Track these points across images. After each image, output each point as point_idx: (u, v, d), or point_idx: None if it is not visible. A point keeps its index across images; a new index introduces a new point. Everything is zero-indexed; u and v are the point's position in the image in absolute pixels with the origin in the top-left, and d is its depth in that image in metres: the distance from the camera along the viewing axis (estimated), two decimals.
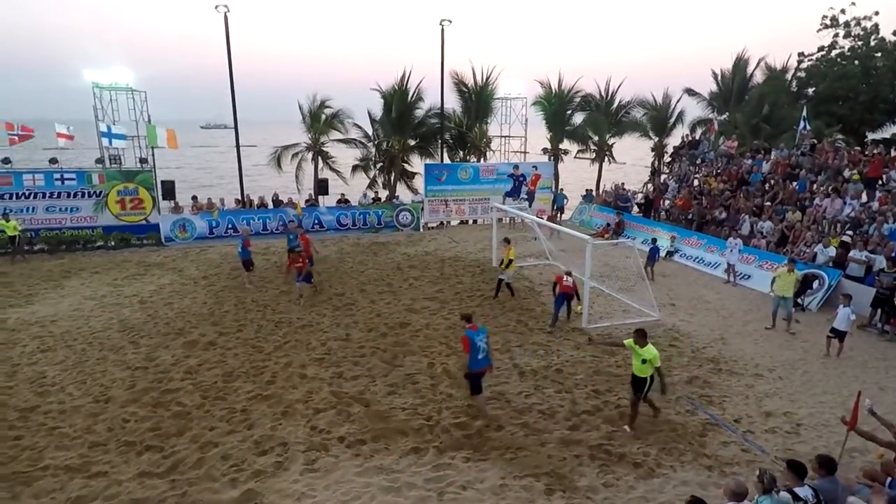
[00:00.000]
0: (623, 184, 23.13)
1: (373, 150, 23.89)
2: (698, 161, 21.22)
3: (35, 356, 9.45)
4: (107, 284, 13.71)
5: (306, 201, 21.04)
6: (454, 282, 14.10)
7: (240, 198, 20.73)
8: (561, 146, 25.83)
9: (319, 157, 22.86)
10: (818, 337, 10.41)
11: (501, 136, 25.12)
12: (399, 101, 22.43)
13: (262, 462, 6.47)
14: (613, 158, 26.33)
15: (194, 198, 20.15)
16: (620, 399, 8.01)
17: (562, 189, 24.12)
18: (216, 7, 19.33)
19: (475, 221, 22.83)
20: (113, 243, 17.64)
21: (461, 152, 25.27)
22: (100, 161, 18.43)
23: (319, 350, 9.69)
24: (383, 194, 23.00)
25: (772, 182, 17.19)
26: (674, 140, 25.71)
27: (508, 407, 7.77)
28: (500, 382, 8.52)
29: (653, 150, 25.97)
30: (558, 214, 22.00)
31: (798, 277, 11.01)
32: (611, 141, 25.99)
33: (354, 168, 23.89)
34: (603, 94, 25.92)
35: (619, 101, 26.06)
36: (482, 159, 24.97)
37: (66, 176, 17.35)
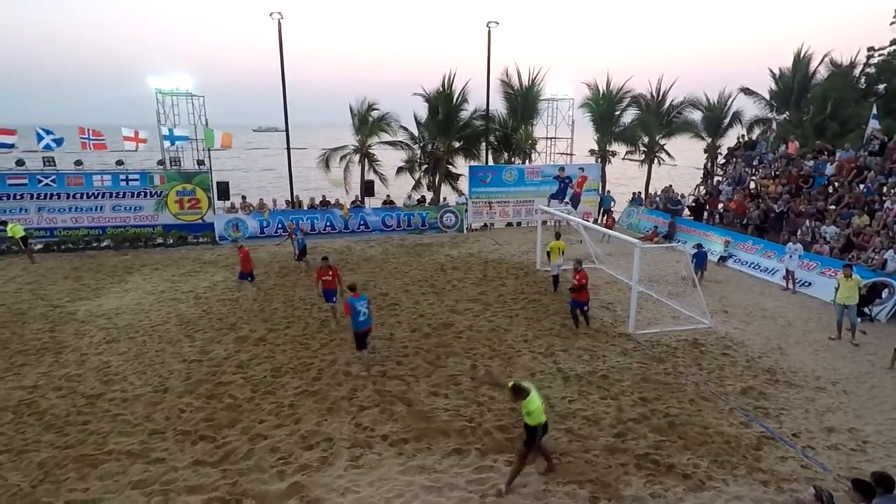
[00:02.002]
0: (670, 186, 22.37)
1: (418, 151, 24.12)
2: (755, 162, 20.24)
3: (101, 346, 10.08)
4: (165, 280, 14.46)
5: (353, 202, 21.48)
6: (497, 284, 14.03)
7: (290, 198, 21.41)
8: (609, 148, 25.26)
9: (366, 159, 23.27)
10: (886, 349, 9.70)
11: (547, 138, 24.81)
12: (444, 104, 22.56)
13: (309, 456, 6.64)
14: (663, 160, 25.52)
15: (243, 198, 20.96)
16: (669, 408, 7.75)
17: (609, 191, 23.57)
18: (270, 14, 20.09)
19: (519, 224, 22.65)
20: (171, 241, 18.61)
21: (506, 154, 25.15)
22: (161, 163, 19.48)
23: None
24: (428, 196, 23.17)
25: (836, 185, 16.18)
26: (728, 141, 24.64)
27: (552, 412, 7.64)
28: (543, 386, 8.40)
29: (706, 151, 24.98)
30: (605, 217, 21.48)
31: (860, 283, 10.27)
32: (661, 142, 25.20)
33: (399, 170, 24.20)
34: (654, 93, 25.17)
35: (671, 101, 25.24)
36: (527, 161, 24.76)
37: (130, 177, 18.44)
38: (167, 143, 19.29)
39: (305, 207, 20.71)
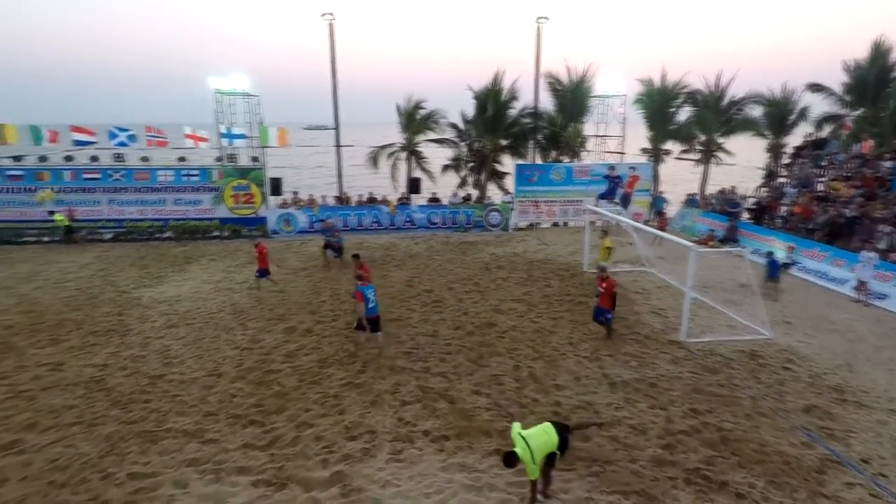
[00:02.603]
0: (734, 187, 21.32)
1: (464, 149, 24.10)
2: (824, 163, 18.99)
3: (162, 331, 10.66)
4: (221, 271, 15.12)
5: (399, 199, 21.73)
6: (542, 284, 13.83)
7: (338, 195, 21.90)
8: (662, 146, 24.37)
9: (413, 157, 23.48)
10: None
11: (597, 136, 24.23)
12: (492, 101, 22.42)
13: (351, 447, 6.77)
14: (721, 159, 24.36)
15: (295, 193, 21.61)
16: (723, 422, 7.39)
17: (662, 192, 22.76)
18: (322, 15, 20.58)
19: (566, 224, 22.24)
20: (227, 234, 19.43)
21: (554, 152, 24.74)
22: (219, 159, 20.37)
23: (408, 344, 9.96)
24: (473, 194, 23.14)
25: None
26: (794, 139, 23.25)
27: (596, 418, 7.46)
28: (588, 392, 8.22)
29: (768, 150, 23.67)
30: (657, 219, 20.75)
31: None
32: (719, 140, 24.06)
33: (445, 167, 24.27)
34: (712, 89, 24.04)
35: (731, 97, 24.03)
36: (576, 160, 24.26)
37: (191, 172, 19.39)
38: (225, 141, 20.15)
39: (353, 204, 21.12)
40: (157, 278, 14.40)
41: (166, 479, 6.15)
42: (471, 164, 24.12)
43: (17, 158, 19.07)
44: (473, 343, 10.06)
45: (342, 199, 21.72)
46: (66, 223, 18.16)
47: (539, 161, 23.58)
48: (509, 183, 22.99)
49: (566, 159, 24.27)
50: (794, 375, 8.96)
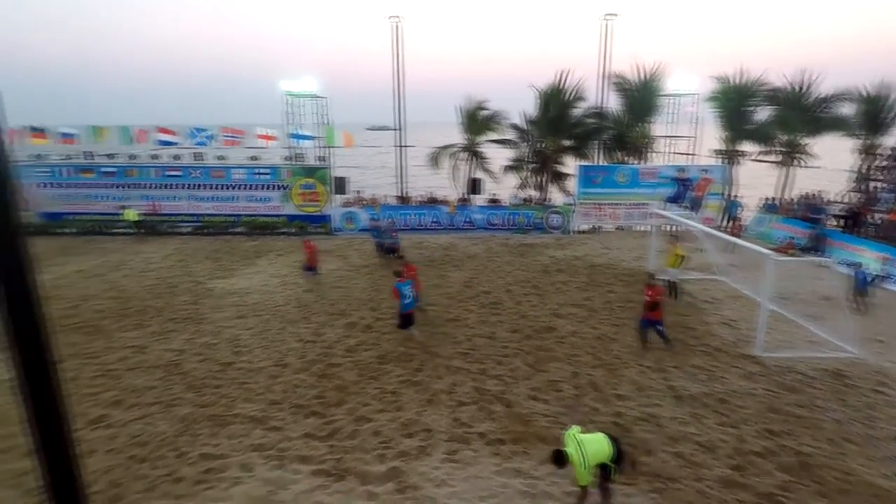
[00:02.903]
0: (819, 192, 19.74)
1: (526, 150, 23.81)
2: None
3: (233, 321, 11.26)
4: (287, 266, 15.78)
5: (459, 200, 21.79)
6: (605, 290, 13.41)
7: (399, 194, 22.28)
8: (738, 147, 22.94)
9: (474, 157, 23.48)
10: None
11: (667, 137, 23.19)
12: (556, 101, 22.00)
13: (408, 444, 6.85)
14: (804, 161, 22.58)
15: (358, 192, 22.19)
16: (802, 445, 6.85)
17: (736, 196, 21.46)
18: (388, 17, 20.99)
19: (631, 228, 21.46)
20: (293, 230, 20.26)
21: (619, 153, 23.92)
22: (288, 159, 21.29)
23: (465, 345, 9.96)
24: (534, 195, 22.81)
25: None
26: (891, 140, 21.18)
27: (660, 432, 7.13)
28: (651, 404, 7.87)
29: (861, 152, 21.70)
30: (730, 224, 19.59)
31: None
32: (803, 141, 22.33)
33: (506, 168, 24.08)
34: (796, 86, 22.32)
35: (818, 95, 22.19)
36: (642, 161, 23.35)
37: (262, 171, 20.39)
38: (293, 141, 21.04)
39: (414, 203, 21.41)
40: (229, 271, 15.24)
41: (234, 461, 6.48)
42: (532, 165, 23.80)
43: (109, 156, 20.83)
44: (531, 347, 9.90)
45: (403, 199, 22.08)
46: (135, 218, 19.70)
47: (603, 162, 22.89)
48: (572, 185, 22.48)
49: (632, 161, 23.41)
50: (888, 400, 8.15)
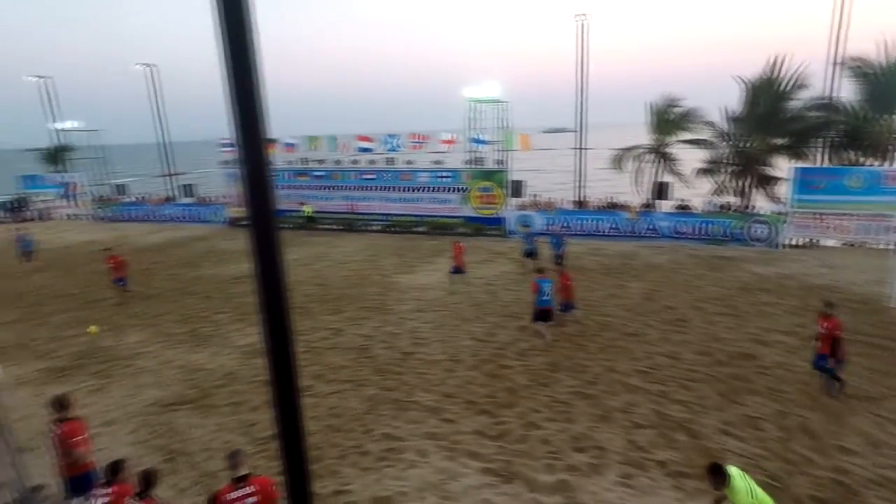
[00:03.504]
0: None
1: (725, 150, 21.08)
2: None
3: (413, 314, 12.16)
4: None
5: (642, 205, 20.30)
6: None
7: (576, 198, 21.66)
8: None
9: (662, 159, 21.63)
10: None
11: None
12: (767, 93, 19.03)
13: (578, 458, 6.56)
14: None
15: (534, 196, 22.16)
16: None
17: None
18: (574, 16, 20.51)
19: (863, 244, 17.51)
20: (469, 231, 21.11)
21: (852, 153, 19.66)
22: (468, 163, 22.27)
23: (644, 362, 9.20)
24: (733, 202, 20.08)
25: None
26: None
27: None
28: (890, 465, 6.26)
29: None
30: None
31: None
32: None
33: (700, 171, 21.64)
34: None
35: None
36: (886, 163, 18.83)
37: (444, 175, 21.68)
38: (472, 145, 21.93)
39: (591, 208, 20.58)
40: (411, 267, 16.52)
41: (411, 445, 6.97)
42: (732, 168, 20.97)
43: (320, 162, 24.31)
44: (724, 375, 8.70)
45: (580, 203, 21.40)
46: (309, 214, 22.75)
47: (828, 164, 19.08)
48: (782, 190, 19.21)
49: (870, 162, 19.05)
50: None
